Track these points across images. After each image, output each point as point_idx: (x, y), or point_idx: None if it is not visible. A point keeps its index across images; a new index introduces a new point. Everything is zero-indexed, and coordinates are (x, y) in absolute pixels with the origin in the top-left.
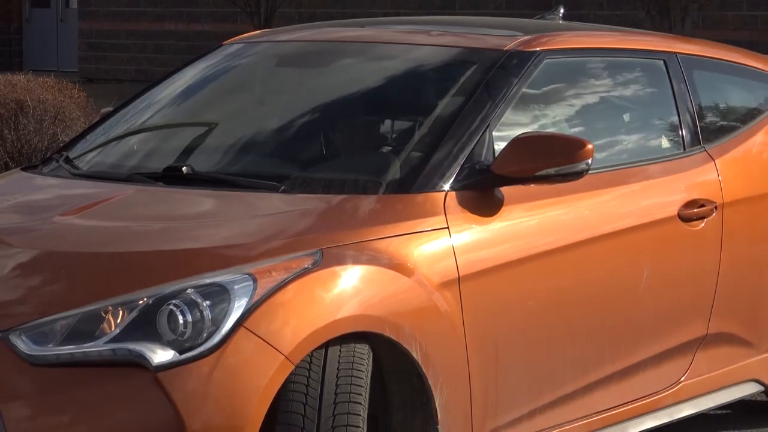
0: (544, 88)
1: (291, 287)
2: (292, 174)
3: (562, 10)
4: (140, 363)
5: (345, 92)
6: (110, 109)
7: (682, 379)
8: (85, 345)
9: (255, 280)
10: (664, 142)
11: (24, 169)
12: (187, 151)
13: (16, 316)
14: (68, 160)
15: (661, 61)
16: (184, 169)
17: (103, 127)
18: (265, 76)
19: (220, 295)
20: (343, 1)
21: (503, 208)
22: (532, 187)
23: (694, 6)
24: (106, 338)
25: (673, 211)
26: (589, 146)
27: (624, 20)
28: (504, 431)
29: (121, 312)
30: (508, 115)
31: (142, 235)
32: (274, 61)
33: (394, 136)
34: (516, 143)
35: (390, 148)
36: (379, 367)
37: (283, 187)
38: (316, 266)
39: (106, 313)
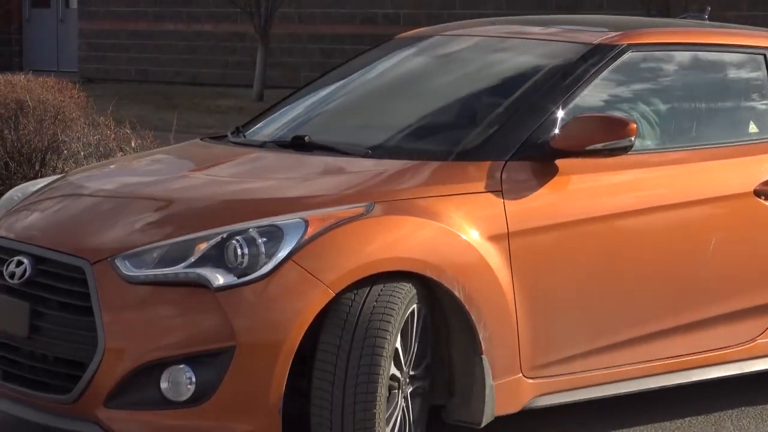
0: (628, 77)
1: (338, 231)
2: (387, 144)
3: (708, 9)
4: (205, 284)
5: (454, 77)
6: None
7: (758, 337)
8: (169, 269)
9: (307, 224)
10: (752, 127)
11: (202, 138)
12: (321, 125)
13: (123, 245)
14: (238, 132)
15: (757, 56)
16: (306, 138)
17: (276, 107)
18: (399, 63)
19: (275, 234)
20: (342, 2)
21: (561, 178)
22: (593, 162)
23: (694, 6)
24: (184, 264)
25: (750, 186)
26: (633, 125)
27: None
28: (556, 366)
29: (200, 244)
30: (589, 99)
31: (234, 187)
32: (413, 51)
33: (479, 113)
34: (572, 121)
35: (473, 124)
36: (443, 307)
37: (370, 152)
38: (366, 215)
39: (190, 244)
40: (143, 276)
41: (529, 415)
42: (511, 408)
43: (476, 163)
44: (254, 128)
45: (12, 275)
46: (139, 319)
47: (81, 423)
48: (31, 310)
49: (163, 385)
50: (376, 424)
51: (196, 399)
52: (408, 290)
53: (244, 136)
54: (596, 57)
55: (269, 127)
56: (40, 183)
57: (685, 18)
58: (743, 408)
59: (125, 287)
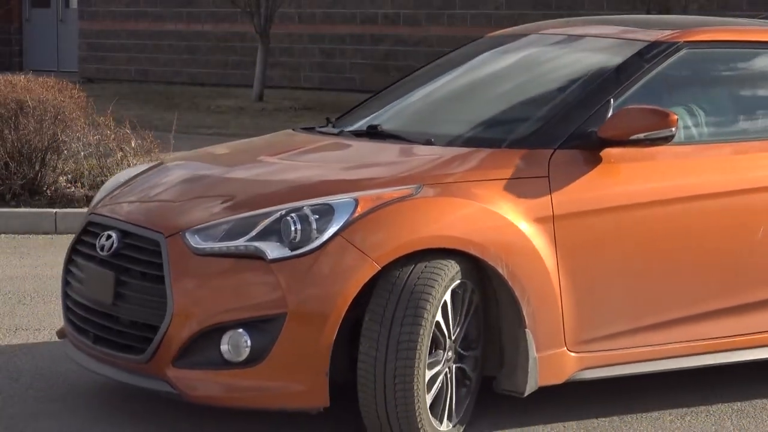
0: (683, 72)
1: (386, 210)
2: (450, 132)
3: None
4: (261, 256)
5: (521, 73)
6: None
7: None
8: (231, 242)
9: (357, 203)
10: None
11: (293, 129)
12: (399, 116)
13: (194, 221)
14: (328, 123)
15: None
16: (378, 127)
17: (368, 101)
18: (476, 60)
19: (327, 211)
20: (343, 2)
21: (608, 166)
22: (638, 151)
23: (694, 6)
24: (246, 238)
25: None
26: (673, 117)
27: None
28: (600, 342)
29: (261, 220)
30: (643, 93)
31: (299, 170)
32: (491, 47)
33: (537, 105)
34: (618, 112)
35: (530, 115)
36: (492, 284)
37: (432, 141)
38: (414, 196)
39: (252, 220)
40: (209, 248)
41: (531, 415)
42: (555, 379)
43: (526, 151)
44: (343, 119)
45: (102, 248)
46: (203, 287)
47: (153, 381)
48: (115, 278)
49: (223, 347)
50: (415, 388)
51: (252, 360)
52: (451, 267)
53: (333, 126)
54: (651, 53)
55: (355, 118)
56: (142, 167)
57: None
58: (743, 408)
59: (193, 258)
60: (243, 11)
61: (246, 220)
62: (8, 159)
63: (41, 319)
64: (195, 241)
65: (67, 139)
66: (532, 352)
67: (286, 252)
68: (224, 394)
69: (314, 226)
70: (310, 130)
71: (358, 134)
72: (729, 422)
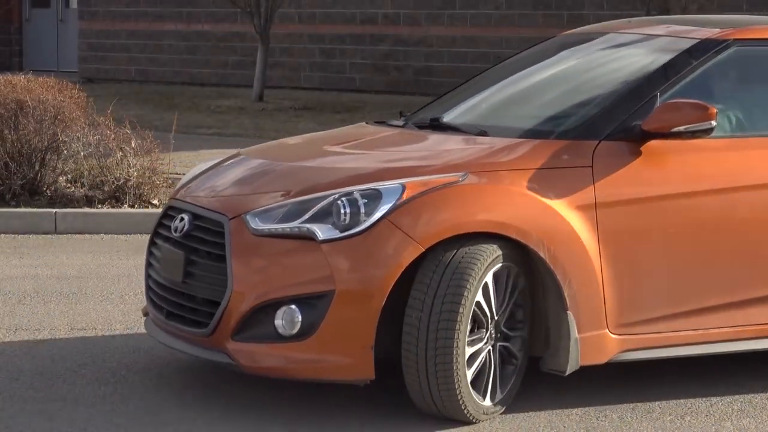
0: (732, 69)
1: (432, 195)
2: (504, 125)
3: None
4: (313, 237)
5: (580, 69)
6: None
7: None
8: (287, 224)
9: (404, 188)
10: None
11: (366, 122)
12: (464, 109)
13: (255, 205)
14: (400, 116)
15: None
16: (440, 119)
17: (444, 97)
18: (543, 57)
19: (375, 196)
20: (343, 2)
21: (650, 157)
22: (681, 143)
23: (694, 6)
24: (300, 220)
25: None
26: (713, 110)
27: None
28: (642, 325)
29: (315, 204)
30: (691, 88)
31: (357, 158)
32: (562, 45)
33: (588, 100)
34: (661, 106)
35: (581, 108)
36: (538, 268)
37: (485, 132)
38: (459, 183)
39: (307, 204)
40: (267, 230)
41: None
42: (597, 359)
43: (572, 142)
44: (416, 114)
45: (176, 229)
46: (260, 265)
47: (214, 353)
48: (185, 258)
49: (277, 321)
50: (454, 363)
51: (302, 334)
52: (492, 250)
53: (405, 119)
54: (700, 51)
55: (425, 112)
56: (221, 158)
57: None
58: (743, 408)
59: (252, 239)
60: (243, 11)
61: (301, 204)
62: (8, 159)
63: (41, 319)
64: (255, 223)
65: (67, 139)
66: (574, 333)
67: (335, 233)
68: (277, 365)
69: (363, 209)
70: (380, 123)
71: (420, 126)
72: (729, 422)
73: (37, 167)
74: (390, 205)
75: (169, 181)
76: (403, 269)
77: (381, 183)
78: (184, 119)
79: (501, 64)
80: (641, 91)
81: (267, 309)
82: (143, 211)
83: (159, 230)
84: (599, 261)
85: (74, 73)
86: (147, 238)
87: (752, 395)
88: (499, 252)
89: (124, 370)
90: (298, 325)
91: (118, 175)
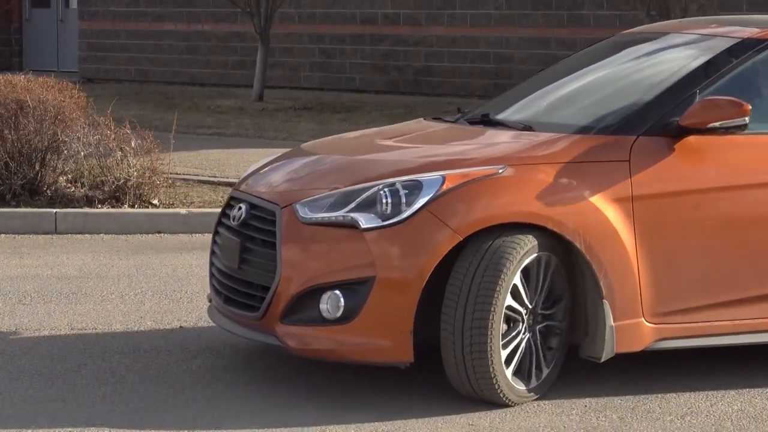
0: None
1: (471, 187)
2: (549, 121)
3: None
4: (356, 226)
5: (629, 67)
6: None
7: None
8: (333, 213)
9: (444, 180)
10: None
11: (424, 117)
12: (516, 106)
13: (304, 195)
14: (457, 112)
15: None
16: (489, 116)
17: (504, 94)
18: (599, 56)
19: (415, 187)
20: (343, 2)
21: (686, 153)
22: (716, 138)
23: (694, 6)
24: (345, 210)
25: None
26: (746, 107)
27: (624, 20)
28: (678, 315)
29: (360, 194)
30: (731, 86)
31: (404, 151)
32: (616, 45)
33: (630, 97)
34: (697, 103)
35: (623, 105)
36: (576, 258)
37: (530, 127)
38: (497, 175)
39: (352, 194)
40: (314, 218)
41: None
42: (632, 347)
43: (610, 137)
44: (472, 109)
45: (234, 218)
46: (307, 252)
47: (265, 335)
48: (241, 245)
49: (322, 306)
50: (489, 348)
51: (345, 318)
52: (527, 241)
53: (460, 115)
54: (740, 50)
55: (480, 108)
56: (283, 152)
57: None
58: (743, 408)
59: (300, 227)
60: (243, 11)
61: (347, 194)
62: (8, 159)
63: (41, 319)
64: (303, 212)
65: (67, 139)
66: (609, 321)
67: (377, 222)
68: (322, 347)
69: (404, 199)
70: (437, 119)
71: (471, 122)
72: (729, 422)
73: (37, 167)
74: (430, 195)
75: (169, 181)
76: (441, 257)
77: (422, 175)
78: (184, 119)
79: (558, 63)
80: (681, 88)
81: (313, 294)
82: (143, 211)
83: (222, 219)
84: (635, 252)
85: (74, 73)
86: (147, 238)
87: (752, 395)
88: (535, 242)
89: (124, 370)
90: (342, 310)
91: (118, 175)
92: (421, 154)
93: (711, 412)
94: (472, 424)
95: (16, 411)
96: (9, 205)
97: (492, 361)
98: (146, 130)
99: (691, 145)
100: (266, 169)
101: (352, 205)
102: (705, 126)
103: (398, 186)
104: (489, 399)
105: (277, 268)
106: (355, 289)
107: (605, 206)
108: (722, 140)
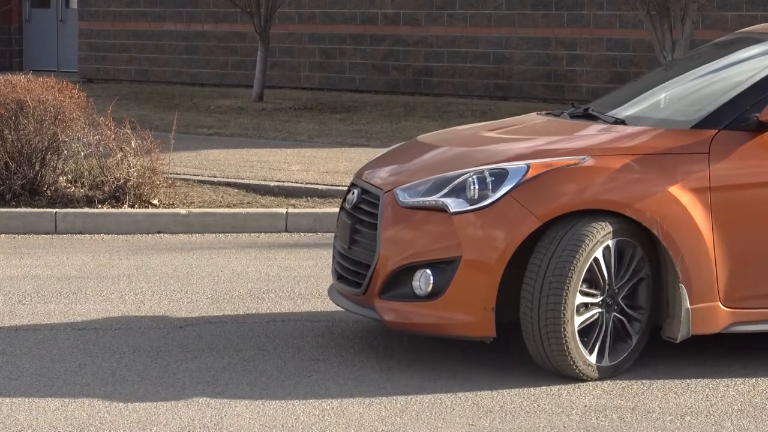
0: None
1: (553, 175)
2: (640, 115)
3: None
4: (445, 210)
5: (724, 67)
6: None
7: None
8: (427, 198)
9: (528, 168)
10: None
11: (537, 112)
12: (619, 102)
13: (405, 180)
14: (572, 107)
15: None
16: (589, 110)
17: (618, 90)
18: (707, 55)
19: (501, 174)
20: (343, 2)
21: (764, 146)
22: None
23: (694, 6)
24: (438, 195)
25: None
26: None
27: (624, 20)
28: (754, 300)
29: (453, 180)
30: None
31: (500, 141)
32: (725, 43)
33: (718, 94)
34: None
35: (710, 101)
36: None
37: (622, 121)
38: (579, 165)
39: (446, 180)
40: (410, 202)
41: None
42: (708, 330)
43: (692, 130)
44: (584, 104)
45: (348, 202)
46: (402, 233)
47: (366, 309)
48: (351, 227)
49: (415, 283)
50: (562, 321)
51: (433, 295)
52: (602, 227)
53: (573, 109)
54: None
55: (591, 104)
56: (401, 144)
57: None
58: (743, 408)
59: (399, 210)
60: (243, 11)
61: (441, 181)
62: (8, 159)
63: (41, 319)
64: (402, 197)
65: (67, 139)
66: (686, 304)
67: (465, 206)
68: (414, 321)
69: (490, 186)
70: (548, 113)
71: (573, 116)
72: (729, 422)
73: (37, 167)
74: (514, 182)
75: (169, 181)
76: (521, 240)
77: (509, 163)
78: (184, 119)
79: (673, 62)
80: (761, 86)
81: (407, 271)
82: (143, 211)
83: (342, 204)
84: (712, 239)
85: (74, 73)
86: (147, 238)
87: (752, 395)
88: (610, 228)
89: (124, 370)
90: (431, 287)
91: (118, 175)
92: (515, 145)
93: (711, 412)
94: (472, 424)
95: (16, 411)
96: (9, 205)
97: (566, 336)
98: (146, 130)
99: None
100: (382, 158)
101: (445, 190)
102: None
103: (486, 173)
104: (564, 372)
105: (377, 247)
106: (443, 267)
107: (683, 196)
108: None
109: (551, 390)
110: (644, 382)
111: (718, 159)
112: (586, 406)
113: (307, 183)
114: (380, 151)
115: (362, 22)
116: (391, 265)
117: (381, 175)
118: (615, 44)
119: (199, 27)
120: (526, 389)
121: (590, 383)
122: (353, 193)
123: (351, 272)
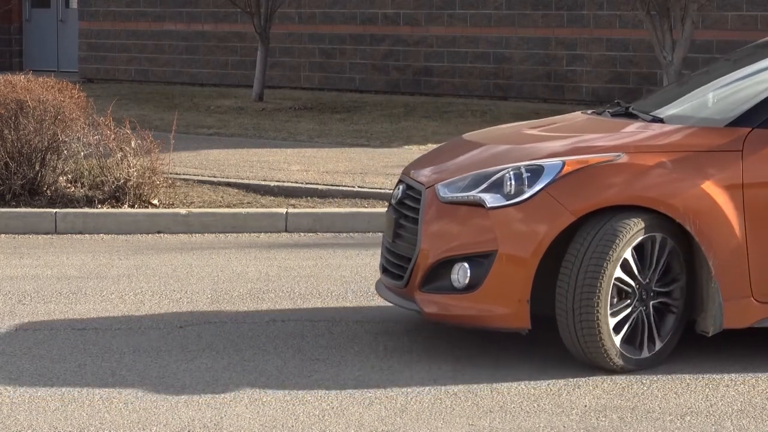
0: None
1: (587, 171)
2: (678, 114)
3: None
4: (482, 205)
5: (762, 69)
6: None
7: None
8: (466, 193)
9: (563, 165)
10: None
11: (582, 112)
12: (660, 101)
13: (446, 176)
14: (617, 105)
15: None
16: (629, 108)
17: (659, 90)
18: (741, 59)
19: (537, 171)
20: (343, 2)
21: None
22: None
23: (694, 6)
24: (476, 190)
25: None
26: None
27: (624, 20)
28: None
29: (490, 176)
30: None
31: (540, 139)
32: (763, 45)
33: (753, 94)
34: None
35: (744, 101)
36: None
37: (660, 119)
38: (613, 162)
39: (484, 176)
40: (450, 197)
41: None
42: (739, 324)
43: (726, 129)
44: (626, 102)
45: (394, 197)
46: (441, 227)
47: (407, 301)
48: (395, 221)
49: (453, 276)
50: (596, 313)
51: (471, 287)
52: (635, 223)
53: (620, 108)
54: None
55: (634, 102)
56: (448, 141)
57: None
58: (743, 408)
59: (439, 205)
60: (243, 11)
61: (480, 177)
62: (8, 159)
63: (41, 319)
64: (443, 192)
65: (67, 139)
66: (718, 298)
67: (501, 202)
68: (452, 313)
69: (526, 182)
70: (594, 112)
71: (614, 114)
72: (729, 422)
73: (37, 167)
74: (550, 179)
75: (169, 181)
76: (555, 235)
77: (545, 160)
78: (184, 119)
79: (717, 62)
80: None
81: (446, 265)
82: (143, 211)
83: (390, 201)
84: (744, 235)
85: (74, 73)
86: (147, 238)
87: (752, 395)
88: (643, 224)
89: (124, 370)
90: (468, 279)
91: (118, 175)
92: (553, 142)
93: (711, 412)
94: (472, 425)
95: (15, 411)
96: (9, 205)
97: (599, 328)
98: (146, 130)
99: None
100: (427, 155)
101: (483, 186)
102: None
103: (522, 170)
104: (597, 364)
105: (418, 241)
106: (480, 261)
107: (716, 192)
108: None
109: (551, 390)
110: (644, 382)
111: (752, 156)
112: (586, 406)
113: (307, 183)
114: (380, 151)
115: (362, 22)
116: (431, 259)
117: (424, 172)
118: (615, 44)
119: (199, 27)
120: (526, 389)
121: (590, 383)
122: (399, 188)
123: (395, 266)
